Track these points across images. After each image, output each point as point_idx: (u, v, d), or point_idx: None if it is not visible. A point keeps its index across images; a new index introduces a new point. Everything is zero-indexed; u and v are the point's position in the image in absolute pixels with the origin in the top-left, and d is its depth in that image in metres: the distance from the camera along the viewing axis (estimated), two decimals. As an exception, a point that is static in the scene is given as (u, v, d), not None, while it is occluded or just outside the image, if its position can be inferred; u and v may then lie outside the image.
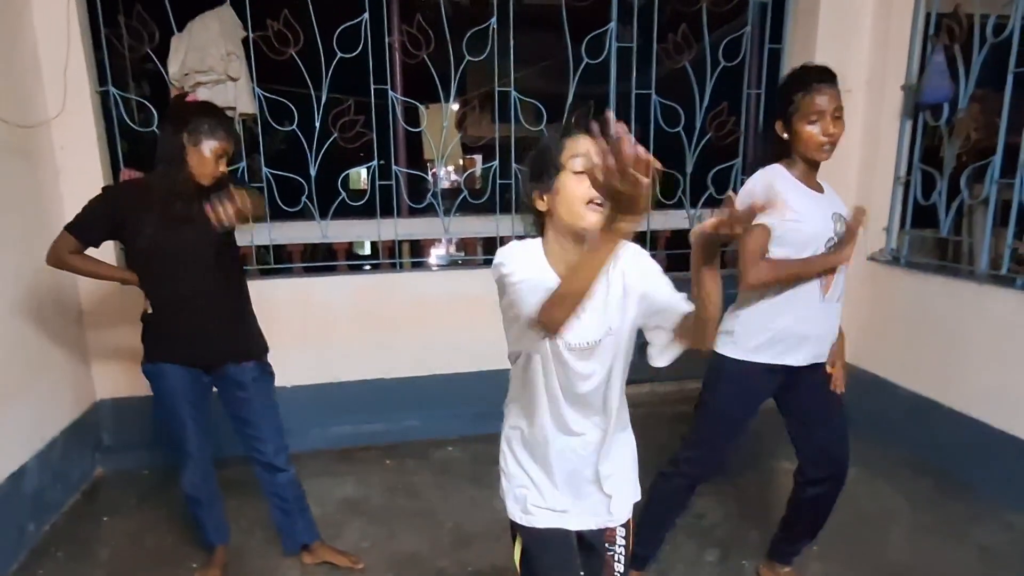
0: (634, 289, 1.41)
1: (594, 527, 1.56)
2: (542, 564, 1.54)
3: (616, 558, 1.60)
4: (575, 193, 1.31)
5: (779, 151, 2.03)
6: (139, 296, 3.26)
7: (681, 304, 1.40)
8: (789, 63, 3.83)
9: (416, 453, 3.53)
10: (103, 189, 2.27)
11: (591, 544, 1.59)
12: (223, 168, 2.13)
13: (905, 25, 3.50)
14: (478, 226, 3.87)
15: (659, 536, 2.38)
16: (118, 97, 3.25)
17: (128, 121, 3.31)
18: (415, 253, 4.22)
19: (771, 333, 2.06)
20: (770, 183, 1.97)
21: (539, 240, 1.42)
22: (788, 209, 1.94)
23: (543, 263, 1.38)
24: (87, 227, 2.18)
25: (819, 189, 2.06)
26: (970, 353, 3.11)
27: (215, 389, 2.41)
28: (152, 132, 3.30)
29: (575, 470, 1.50)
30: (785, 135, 1.98)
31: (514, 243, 1.41)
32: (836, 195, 2.11)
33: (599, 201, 1.27)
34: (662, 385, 3.94)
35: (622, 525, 1.59)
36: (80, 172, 3.14)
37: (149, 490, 3.22)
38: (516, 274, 1.29)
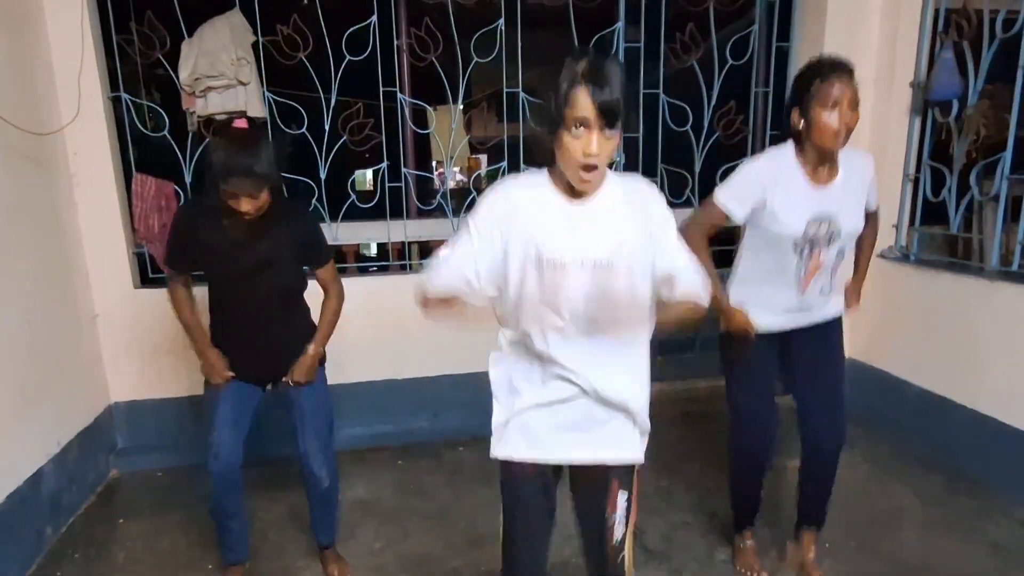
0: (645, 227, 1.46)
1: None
2: None
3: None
4: (572, 155, 1.33)
5: (793, 140, 2.08)
6: (152, 302, 3.31)
7: (684, 273, 1.47)
8: (797, 61, 3.82)
9: (428, 454, 3.55)
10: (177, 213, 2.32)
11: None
12: (253, 207, 2.06)
13: (914, 22, 3.49)
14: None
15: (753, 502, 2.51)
16: (130, 103, 3.28)
17: (140, 126, 3.35)
18: (423, 254, 4.24)
19: (753, 308, 2.23)
20: (776, 170, 2.06)
21: (544, 171, 1.48)
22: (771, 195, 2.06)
23: (547, 191, 1.45)
24: (175, 258, 2.26)
25: (826, 180, 2.08)
26: (981, 350, 3.10)
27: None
28: (163, 137, 3.34)
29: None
30: (801, 123, 2.01)
31: (520, 177, 1.50)
32: (858, 171, 2.14)
33: (592, 163, 1.32)
34: (669, 384, 3.95)
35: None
36: (93, 178, 3.17)
37: (164, 492, 3.25)
38: (474, 222, 1.46)
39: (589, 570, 1.75)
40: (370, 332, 3.51)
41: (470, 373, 3.61)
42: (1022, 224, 2.95)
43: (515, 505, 1.68)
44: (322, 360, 2.44)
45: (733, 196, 2.12)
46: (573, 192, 1.43)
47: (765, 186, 2.07)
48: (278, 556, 2.72)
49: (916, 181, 3.57)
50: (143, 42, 3.28)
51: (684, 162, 3.85)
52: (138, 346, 3.36)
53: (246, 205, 2.03)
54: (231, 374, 2.30)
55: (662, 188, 3.86)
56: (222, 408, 2.29)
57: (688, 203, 3.97)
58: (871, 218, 2.31)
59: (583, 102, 1.28)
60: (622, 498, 1.63)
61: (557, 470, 1.67)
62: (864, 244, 2.43)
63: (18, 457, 2.62)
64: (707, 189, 3.88)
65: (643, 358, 1.59)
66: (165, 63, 3.33)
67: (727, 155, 3.92)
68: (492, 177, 3.77)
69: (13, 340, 2.62)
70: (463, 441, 3.62)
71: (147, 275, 3.44)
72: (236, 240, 2.14)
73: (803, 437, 2.38)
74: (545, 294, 1.44)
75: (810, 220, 2.06)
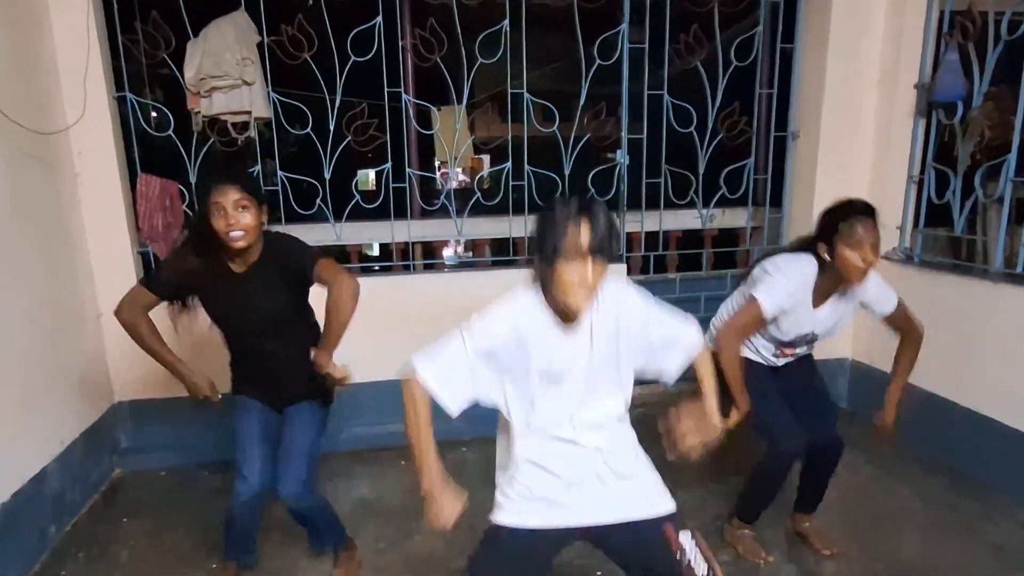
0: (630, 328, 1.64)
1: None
2: None
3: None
4: (567, 278, 1.46)
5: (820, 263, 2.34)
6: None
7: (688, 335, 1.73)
8: (801, 63, 3.83)
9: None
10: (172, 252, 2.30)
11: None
12: (242, 224, 2.04)
13: (918, 23, 3.48)
14: (490, 227, 3.90)
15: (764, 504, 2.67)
16: (135, 103, 3.28)
17: (145, 126, 3.35)
18: (426, 255, 4.24)
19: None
20: (801, 290, 2.35)
21: (535, 291, 1.59)
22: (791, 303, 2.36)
23: (539, 307, 1.58)
24: (160, 281, 2.22)
25: (818, 303, 2.39)
26: (984, 352, 3.10)
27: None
28: (168, 136, 3.35)
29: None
30: (827, 257, 2.27)
31: (524, 300, 1.59)
32: (846, 309, 2.45)
33: (589, 287, 1.47)
34: (674, 385, 3.92)
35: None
36: (98, 178, 3.18)
37: (167, 491, 3.26)
38: (474, 339, 1.56)
39: None
40: (373, 332, 3.50)
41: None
42: (1026, 226, 2.96)
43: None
44: (329, 399, 2.46)
45: (773, 303, 2.33)
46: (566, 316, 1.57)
47: (790, 304, 2.35)
48: (282, 556, 2.72)
49: (920, 183, 3.56)
50: (148, 42, 3.28)
51: (688, 163, 3.85)
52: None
53: (235, 219, 2.01)
54: (216, 394, 2.35)
55: (666, 189, 3.87)
56: (248, 432, 2.31)
57: (691, 204, 3.97)
58: (899, 319, 2.49)
59: (573, 236, 1.43)
60: (685, 537, 1.62)
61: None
62: (903, 354, 2.55)
63: (22, 456, 2.63)
64: (710, 191, 3.92)
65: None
66: (170, 63, 3.34)
67: (731, 156, 3.93)
68: (495, 178, 3.78)
69: (18, 339, 2.63)
70: (466, 441, 3.62)
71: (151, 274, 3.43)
72: (234, 292, 2.17)
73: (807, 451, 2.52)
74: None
75: (799, 335, 2.45)
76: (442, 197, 3.72)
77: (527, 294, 1.60)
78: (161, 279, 2.22)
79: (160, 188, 3.29)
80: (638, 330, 1.64)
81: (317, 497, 2.41)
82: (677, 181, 3.89)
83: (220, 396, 2.36)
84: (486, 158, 4.56)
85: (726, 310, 2.63)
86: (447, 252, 3.95)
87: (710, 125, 3.80)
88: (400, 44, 3.53)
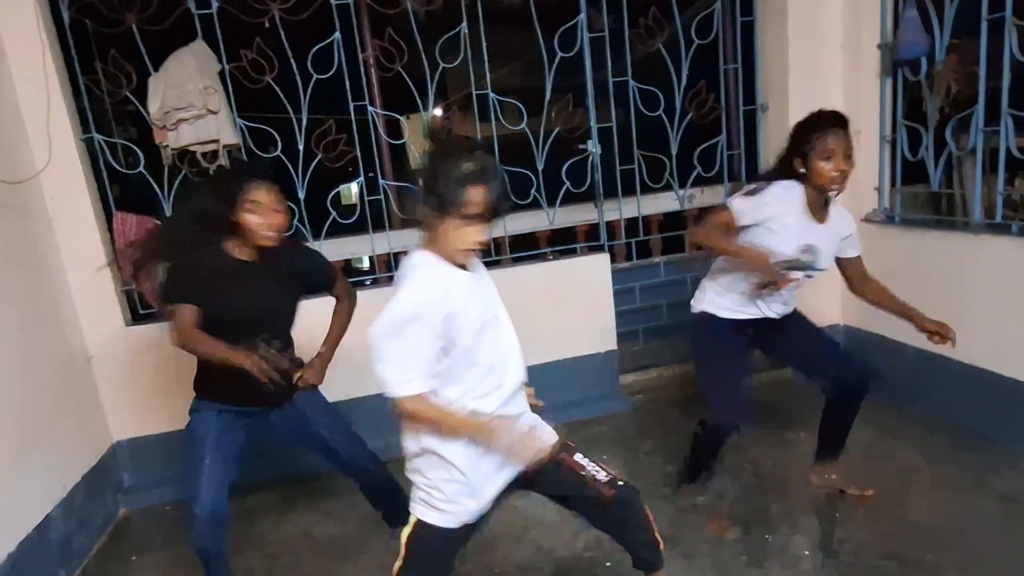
0: None
1: None
2: None
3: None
4: (467, 238, 1.54)
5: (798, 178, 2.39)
6: (144, 339, 3.32)
7: None
8: (763, 34, 3.82)
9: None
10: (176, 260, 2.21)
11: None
12: (278, 220, 2.14)
13: (875, -17, 3.48)
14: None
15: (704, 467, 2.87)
16: (102, 143, 3.28)
17: (115, 165, 3.35)
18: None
19: (733, 295, 2.55)
20: (785, 203, 2.37)
21: (426, 253, 1.62)
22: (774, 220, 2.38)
23: (443, 266, 1.60)
24: (183, 292, 2.17)
25: (820, 219, 2.41)
26: (973, 304, 3.09)
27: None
28: (139, 174, 3.35)
29: None
30: (802, 170, 2.33)
31: (423, 272, 1.60)
32: (839, 224, 2.46)
33: (481, 247, 1.57)
34: (668, 369, 3.95)
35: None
36: (73, 220, 3.19)
37: (173, 525, 3.26)
38: (416, 325, 1.56)
39: (599, 524, 1.96)
40: (365, 348, 3.51)
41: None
42: (1000, 175, 2.95)
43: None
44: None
45: (746, 209, 2.39)
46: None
47: (772, 214, 2.37)
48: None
49: (893, 142, 3.56)
50: (110, 80, 3.28)
51: (660, 146, 3.85)
52: (134, 383, 3.37)
53: (273, 216, 2.09)
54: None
55: (640, 174, 3.87)
56: (207, 457, 2.27)
57: (668, 187, 3.97)
58: (857, 265, 2.58)
59: (475, 193, 1.49)
60: (579, 457, 1.85)
61: None
62: (871, 292, 2.62)
63: (24, 505, 2.64)
64: (685, 171, 3.92)
65: None
66: (133, 99, 3.34)
67: (702, 135, 3.92)
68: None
69: (8, 387, 2.63)
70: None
71: (137, 312, 3.45)
72: (244, 284, 2.18)
73: (827, 387, 2.63)
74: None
75: (800, 247, 2.37)
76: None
77: (425, 268, 1.61)
78: (183, 290, 2.17)
79: (137, 225, 3.29)
80: None
81: (381, 463, 2.55)
82: (651, 165, 3.88)
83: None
84: None
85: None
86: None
87: (678, 106, 3.79)
88: (360, 57, 3.53)
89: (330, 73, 3.42)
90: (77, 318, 3.25)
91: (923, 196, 3.74)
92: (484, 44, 3.55)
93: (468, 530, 1.79)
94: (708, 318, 2.61)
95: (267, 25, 3.38)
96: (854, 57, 3.62)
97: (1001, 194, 2.98)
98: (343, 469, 2.54)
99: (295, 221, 3.51)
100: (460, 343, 1.57)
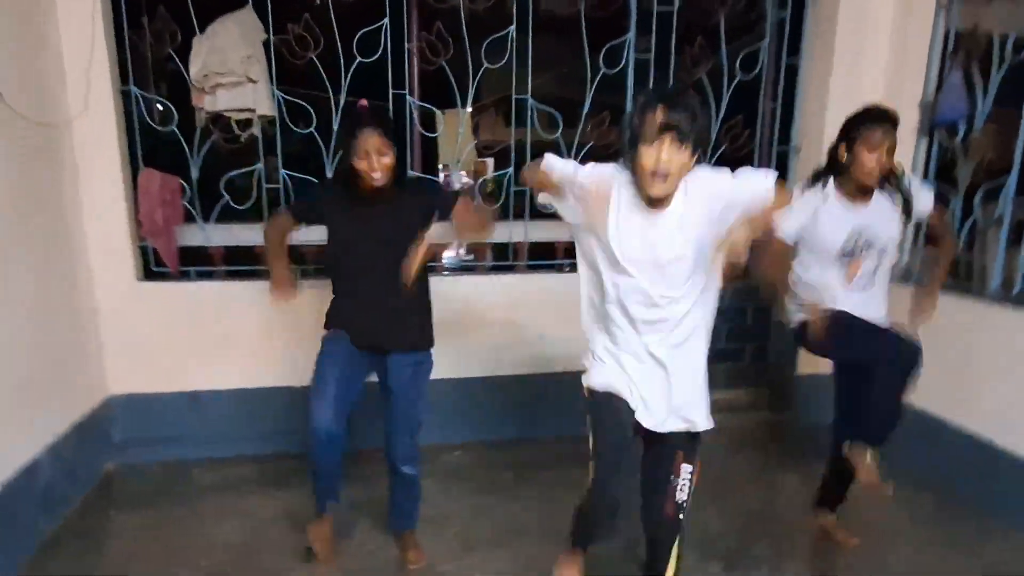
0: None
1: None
2: None
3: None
4: (643, 164, 1.62)
5: (836, 169, 2.47)
6: (154, 296, 3.33)
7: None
8: (807, 78, 3.83)
9: (423, 457, 3.52)
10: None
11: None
12: (383, 166, 2.25)
13: (923, 43, 3.49)
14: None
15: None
16: (139, 96, 3.28)
17: (149, 121, 3.35)
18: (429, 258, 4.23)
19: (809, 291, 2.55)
20: (821, 199, 2.47)
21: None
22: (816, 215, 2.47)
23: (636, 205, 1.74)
24: (302, 208, 2.53)
25: (861, 201, 2.45)
26: (978, 372, 3.11)
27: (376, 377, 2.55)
28: (172, 132, 3.35)
29: None
30: (845, 158, 2.40)
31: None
32: (888, 206, 2.47)
33: (663, 170, 1.59)
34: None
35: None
36: (99, 171, 3.18)
37: (160, 486, 3.26)
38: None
39: (647, 527, 2.06)
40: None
41: (466, 378, 3.63)
42: (1023, 249, 2.97)
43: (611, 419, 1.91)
44: (431, 342, 2.57)
45: (790, 225, 2.44)
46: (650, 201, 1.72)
47: (815, 208, 2.46)
48: (277, 553, 2.72)
49: (921, 201, 3.57)
50: (154, 37, 3.28)
51: (691, 173, 3.85)
52: (139, 340, 3.36)
53: (377, 163, 2.22)
54: (294, 291, 2.45)
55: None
56: (328, 371, 2.43)
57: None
58: (935, 220, 2.65)
59: (659, 113, 1.58)
60: (686, 468, 1.96)
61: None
62: (941, 257, 2.72)
63: (13, 447, 2.62)
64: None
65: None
66: (176, 58, 3.34)
67: (733, 168, 3.91)
68: (498, 182, 3.78)
69: (12, 330, 2.62)
70: (459, 445, 3.62)
71: (150, 269, 3.44)
72: (363, 217, 2.34)
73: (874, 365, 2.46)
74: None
75: (849, 233, 2.43)
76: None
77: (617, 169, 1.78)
78: (303, 206, 2.54)
79: (161, 183, 3.29)
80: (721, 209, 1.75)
81: (418, 470, 2.65)
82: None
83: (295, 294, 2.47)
84: (490, 161, 4.54)
85: None
86: (448, 254, 3.94)
87: (713, 136, 3.80)
88: (406, 47, 3.53)
89: (374, 58, 3.42)
90: (90, 268, 3.24)
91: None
92: (530, 49, 3.55)
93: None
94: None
95: (317, 2, 3.39)
96: (893, 112, 3.63)
97: (1022, 267, 2.99)
98: (386, 453, 2.63)
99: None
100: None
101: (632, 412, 1.88)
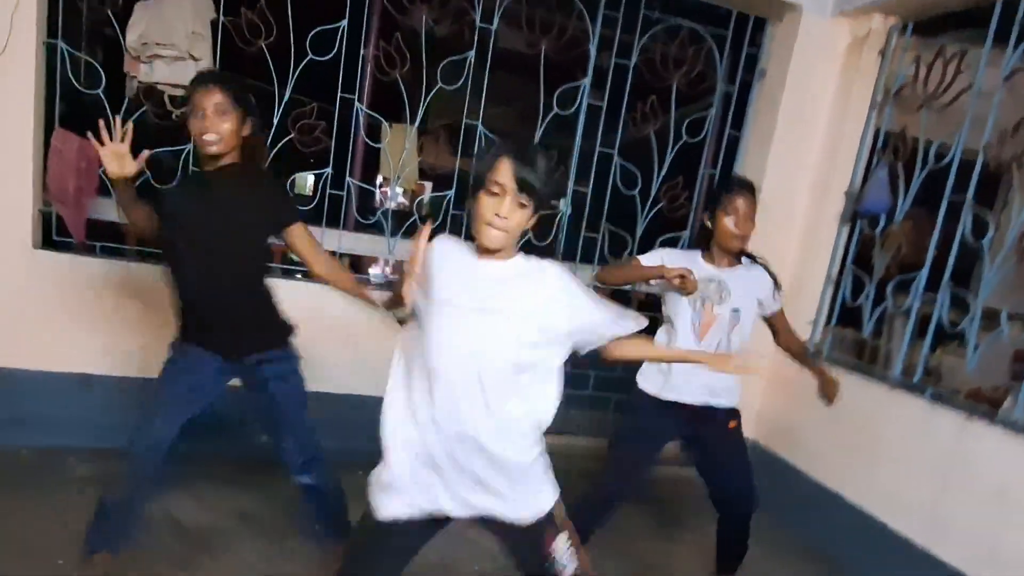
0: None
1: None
2: None
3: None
4: (481, 210, 1.49)
5: (703, 238, 2.58)
6: (51, 266, 3.06)
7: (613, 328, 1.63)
8: (745, 153, 3.97)
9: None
10: None
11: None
12: (218, 123, 2.00)
13: (855, 136, 3.68)
14: (423, 251, 3.79)
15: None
16: (66, 52, 3.05)
17: (72, 80, 3.11)
18: (355, 268, 4.11)
19: (656, 365, 2.55)
20: (682, 257, 2.55)
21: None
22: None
23: (466, 251, 1.58)
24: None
25: (726, 264, 2.53)
26: (877, 452, 3.22)
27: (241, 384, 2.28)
28: (96, 95, 3.12)
29: None
30: (708, 224, 2.50)
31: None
32: (753, 278, 2.57)
33: (499, 225, 1.47)
34: (580, 439, 3.90)
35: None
36: (9, 124, 2.92)
37: (25, 472, 2.96)
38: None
39: None
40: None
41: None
42: (928, 340, 3.12)
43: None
44: (289, 331, 2.33)
45: (649, 259, 2.55)
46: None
47: (672, 260, 2.49)
48: (229, 553, 2.52)
49: (837, 283, 3.73)
50: (94, -6, 3.09)
51: (627, 224, 3.90)
52: (26, 311, 3.07)
53: (212, 124, 1.96)
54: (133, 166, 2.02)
55: (603, 246, 3.91)
56: (167, 385, 2.16)
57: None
58: (778, 320, 2.72)
59: (503, 168, 1.46)
60: (560, 541, 1.65)
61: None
62: (791, 345, 2.80)
63: None
64: (646, 252, 3.96)
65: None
66: (114, 22, 3.14)
67: (668, 226, 4.00)
68: (435, 204, 3.72)
69: None
70: (363, 465, 3.43)
71: (51, 237, 3.16)
72: (202, 200, 2.07)
73: (721, 513, 2.73)
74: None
75: (702, 278, 2.44)
76: (379, 213, 3.61)
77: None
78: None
79: (79, 148, 3.04)
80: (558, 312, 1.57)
81: (320, 477, 2.40)
82: (615, 240, 3.93)
83: None
84: (428, 184, 4.47)
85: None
86: (374, 270, 3.82)
87: (653, 192, 3.87)
88: (362, 52, 3.46)
89: (327, 57, 3.32)
90: (-19, 226, 2.94)
91: (849, 340, 3.92)
92: (486, 78, 3.53)
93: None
94: (640, 394, 2.61)
95: (277, -10, 3.27)
96: (821, 197, 3.80)
97: (924, 357, 3.15)
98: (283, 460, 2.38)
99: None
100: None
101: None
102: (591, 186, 3.84)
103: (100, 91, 3.14)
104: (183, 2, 3.14)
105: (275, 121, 3.34)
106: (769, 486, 2.73)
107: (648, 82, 3.82)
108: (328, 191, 3.49)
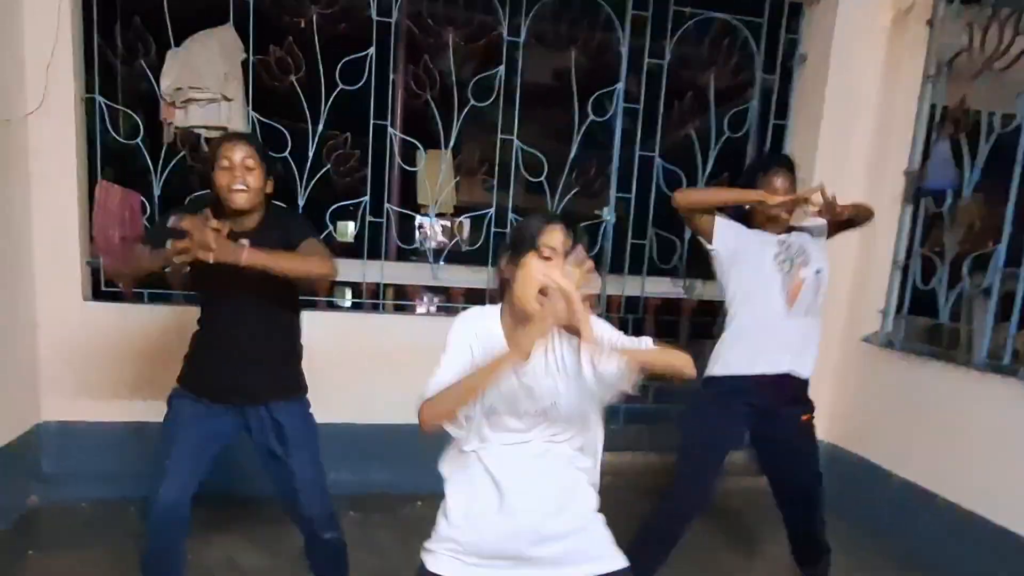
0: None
1: None
2: None
3: None
4: (533, 276, 1.38)
5: (743, 221, 2.53)
6: (101, 317, 3.08)
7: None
8: (792, 141, 3.82)
9: (383, 507, 3.29)
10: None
11: None
12: (248, 179, 1.97)
13: (909, 114, 3.50)
14: (468, 275, 3.73)
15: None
16: (104, 106, 3.12)
17: (112, 132, 3.17)
18: (398, 297, 4.08)
19: (737, 338, 2.46)
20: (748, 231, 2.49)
21: (499, 306, 1.52)
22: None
23: (496, 326, 1.49)
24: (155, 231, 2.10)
25: (776, 231, 2.48)
26: (966, 442, 2.99)
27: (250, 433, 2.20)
28: (135, 147, 3.18)
29: None
30: (747, 207, 2.50)
31: (475, 308, 1.54)
32: (811, 234, 2.55)
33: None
34: (645, 456, 3.76)
35: None
36: (53, 179, 2.99)
37: (86, 525, 2.96)
38: (451, 344, 1.48)
39: None
40: (334, 371, 3.29)
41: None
42: (1014, 318, 2.89)
43: None
44: (301, 389, 2.25)
45: (725, 224, 2.47)
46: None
47: (741, 233, 2.48)
48: None
49: (905, 268, 3.53)
50: (127, 47, 3.16)
51: (675, 227, 3.78)
52: (80, 363, 3.10)
53: (241, 177, 1.95)
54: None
55: (651, 252, 3.79)
56: (180, 440, 2.09)
57: (675, 271, 3.88)
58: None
59: (556, 233, 1.40)
60: None
61: None
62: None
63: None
64: (696, 257, 3.83)
65: None
66: (147, 71, 3.19)
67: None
68: (472, 243, 3.67)
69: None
70: (422, 496, 3.36)
71: (99, 288, 3.21)
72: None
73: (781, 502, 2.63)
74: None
75: (778, 239, 2.45)
76: (418, 240, 3.58)
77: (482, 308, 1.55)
78: (157, 227, 2.13)
79: (121, 198, 3.09)
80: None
81: (340, 531, 2.29)
82: (662, 245, 3.81)
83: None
84: (467, 223, 4.34)
85: None
86: (421, 309, 3.79)
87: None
88: (391, 77, 3.45)
89: (357, 86, 3.31)
90: (33, 282, 3.00)
91: (922, 327, 3.69)
92: (519, 91, 3.48)
93: None
94: (713, 383, 2.47)
95: (302, 25, 3.30)
96: (878, 179, 3.61)
97: (1012, 338, 2.92)
98: (292, 513, 2.27)
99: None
100: None
101: None
102: (634, 191, 3.74)
103: (139, 140, 3.19)
104: (212, 45, 3.18)
105: (311, 154, 3.34)
106: (855, 491, 2.53)
107: (684, 80, 3.73)
108: (367, 219, 3.46)
